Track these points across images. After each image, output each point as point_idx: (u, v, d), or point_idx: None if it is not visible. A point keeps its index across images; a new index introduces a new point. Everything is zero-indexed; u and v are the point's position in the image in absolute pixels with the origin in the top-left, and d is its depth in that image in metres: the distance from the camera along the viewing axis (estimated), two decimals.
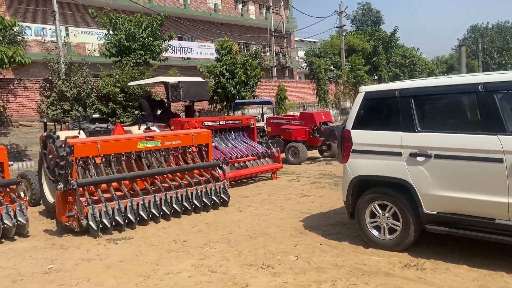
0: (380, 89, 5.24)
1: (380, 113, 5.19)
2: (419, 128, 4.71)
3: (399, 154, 4.80)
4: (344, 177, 5.36)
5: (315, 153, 14.29)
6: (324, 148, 13.98)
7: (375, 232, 5.12)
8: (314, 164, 12.87)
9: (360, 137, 5.15)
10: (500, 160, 4.11)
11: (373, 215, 5.11)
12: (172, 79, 11.75)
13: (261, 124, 15.49)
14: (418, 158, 4.65)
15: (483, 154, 4.22)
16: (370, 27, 46.79)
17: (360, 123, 5.17)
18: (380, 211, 5.04)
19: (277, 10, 37.15)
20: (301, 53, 41.65)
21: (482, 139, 4.25)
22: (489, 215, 4.24)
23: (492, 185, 4.19)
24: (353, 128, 5.21)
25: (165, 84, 11.73)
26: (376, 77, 39.52)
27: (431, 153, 4.57)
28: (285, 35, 35.45)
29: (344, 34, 36.35)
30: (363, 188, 5.18)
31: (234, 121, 10.73)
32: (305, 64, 38.59)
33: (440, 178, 4.52)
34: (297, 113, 17.53)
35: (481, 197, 4.25)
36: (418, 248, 4.95)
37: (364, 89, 5.30)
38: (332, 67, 35.94)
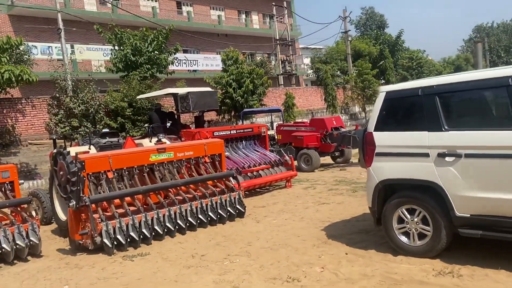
0: (402, 88, 4.99)
1: (404, 113, 4.96)
2: (446, 127, 4.47)
3: (427, 155, 4.55)
4: (368, 182, 5.11)
5: (327, 159, 14.02)
6: (337, 154, 13.70)
7: (403, 239, 4.85)
8: (328, 171, 12.60)
9: (384, 139, 4.91)
10: None
11: (401, 220, 4.85)
12: (181, 90, 11.60)
13: (271, 132, 15.26)
14: (447, 158, 4.40)
15: None
16: (375, 31, 46.64)
17: (383, 125, 4.94)
18: (408, 216, 4.78)
19: (281, 19, 37.13)
20: (307, 60, 41.55)
21: None
22: None
23: None
24: (376, 130, 4.98)
25: (174, 95, 11.59)
26: (383, 80, 39.25)
27: (461, 152, 4.32)
28: (290, 43, 35.38)
29: (349, 39, 36.21)
30: (389, 193, 4.93)
31: (245, 130, 10.53)
32: (311, 71, 38.47)
33: (472, 178, 4.26)
34: (306, 120, 17.30)
35: None
36: (450, 253, 4.68)
37: (385, 88, 5.07)
38: (339, 72, 35.77)
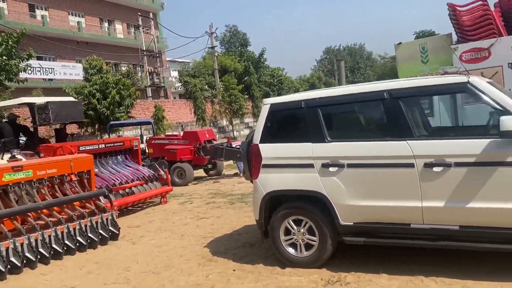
0: (286, 101, 5.04)
1: (288, 125, 5.00)
2: (329, 138, 4.61)
3: (311, 166, 4.63)
4: (255, 194, 5.02)
5: (200, 172, 13.87)
6: (210, 167, 13.69)
7: (291, 250, 4.84)
8: (202, 184, 12.43)
9: (270, 151, 4.88)
10: (411, 165, 4.15)
11: (288, 232, 4.84)
12: (39, 100, 10.33)
13: (142, 145, 14.55)
14: (331, 169, 4.53)
15: (394, 160, 4.24)
16: (239, 48, 48.35)
17: (268, 136, 4.91)
18: (295, 227, 4.79)
19: (147, 30, 36.18)
20: (175, 73, 41.15)
21: (392, 146, 4.27)
22: (404, 221, 4.26)
23: (405, 190, 4.21)
24: (261, 142, 4.92)
25: (30, 105, 10.25)
26: (248, 95, 40.66)
27: (343, 162, 4.48)
28: (157, 55, 34.63)
29: (216, 54, 36.85)
30: (277, 205, 4.90)
31: (115, 144, 9.76)
32: (180, 84, 38.16)
33: (354, 187, 4.43)
34: (177, 133, 16.95)
35: (395, 204, 4.26)
36: (335, 261, 4.79)
37: (268, 101, 5.07)
38: (206, 86, 36.10)
